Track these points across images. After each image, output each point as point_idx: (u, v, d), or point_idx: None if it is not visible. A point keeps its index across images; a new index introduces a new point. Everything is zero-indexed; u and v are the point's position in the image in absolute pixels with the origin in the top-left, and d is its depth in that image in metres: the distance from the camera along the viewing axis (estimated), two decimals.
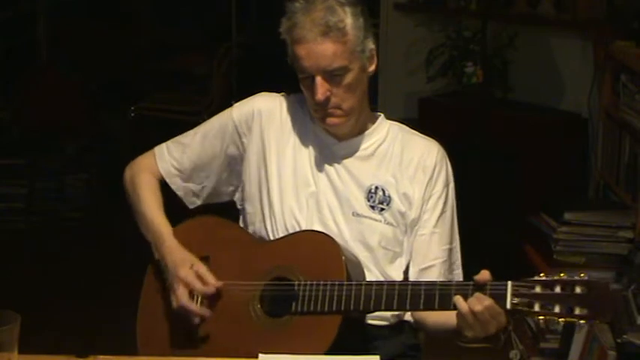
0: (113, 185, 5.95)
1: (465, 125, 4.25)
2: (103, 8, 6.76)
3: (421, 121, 4.50)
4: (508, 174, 4.23)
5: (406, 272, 2.10)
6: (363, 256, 2.06)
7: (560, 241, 3.56)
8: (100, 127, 5.96)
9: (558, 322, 1.75)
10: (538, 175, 4.21)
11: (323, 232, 2.03)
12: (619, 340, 2.98)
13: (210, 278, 2.02)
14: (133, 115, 5.73)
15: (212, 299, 2.03)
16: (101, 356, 1.85)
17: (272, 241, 2.11)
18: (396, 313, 2.07)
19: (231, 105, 2.25)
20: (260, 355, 1.85)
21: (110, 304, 3.94)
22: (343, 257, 1.95)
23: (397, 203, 2.08)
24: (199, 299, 2.03)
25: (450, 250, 2.12)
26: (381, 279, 2.06)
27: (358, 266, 2.02)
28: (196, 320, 2.02)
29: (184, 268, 2.03)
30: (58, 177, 5.28)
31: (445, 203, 2.11)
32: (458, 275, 2.14)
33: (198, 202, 2.26)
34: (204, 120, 2.29)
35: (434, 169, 2.10)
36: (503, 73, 4.48)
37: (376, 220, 2.07)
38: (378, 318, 2.06)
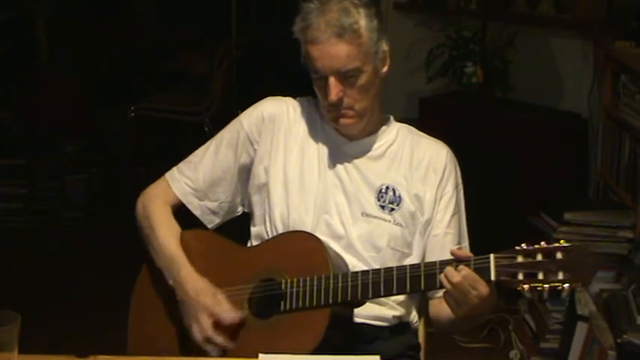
0: (113, 185, 5.95)
1: (465, 125, 4.24)
2: (103, 8, 6.76)
3: (421, 121, 4.50)
4: (508, 174, 4.23)
5: None
6: (368, 256, 2.06)
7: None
8: (100, 127, 5.96)
9: (543, 290, 1.76)
10: (538, 175, 4.21)
11: (305, 231, 2.02)
12: (619, 340, 2.98)
13: (231, 308, 1.98)
14: (133, 115, 5.72)
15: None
16: (101, 356, 1.85)
17: (256, 245, 2.11)
18: (398, 314, 2.08)
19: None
20: (260, 355, 1.85)
21: (110, 305, 3.92)
22: (327, 252, 1.95)
23: (407, 204, 2.08)
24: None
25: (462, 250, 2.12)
26: None
27: (342, 264, 2.01)
28: (214, 352, 1.98)
29: (208, 296, 2.00)
30: (58, 177, 5.26)
31: (457, 204, 2.13)
32: None
33: (217, 220, 2.22)
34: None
35: (444, 170, 2.12)
36: (503, 73, 4.48)
37: (386, 220, 2.07)
38: (379, 319, 2.05)
